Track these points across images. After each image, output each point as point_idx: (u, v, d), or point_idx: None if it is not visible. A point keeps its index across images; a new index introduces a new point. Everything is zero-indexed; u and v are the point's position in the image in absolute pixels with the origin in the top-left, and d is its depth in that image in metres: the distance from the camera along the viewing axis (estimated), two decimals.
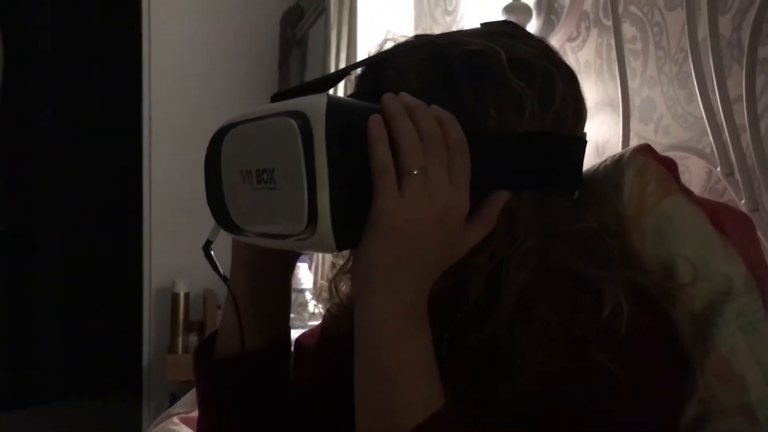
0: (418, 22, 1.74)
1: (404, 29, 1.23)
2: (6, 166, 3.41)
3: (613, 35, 0.99)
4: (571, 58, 1.13)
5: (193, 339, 2.35)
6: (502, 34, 0.58)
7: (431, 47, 0.57)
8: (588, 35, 1.10)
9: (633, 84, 0.98)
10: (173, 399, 2.45)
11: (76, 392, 3.48)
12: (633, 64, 0.98)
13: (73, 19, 3.48)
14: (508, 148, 0.54)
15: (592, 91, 1.08)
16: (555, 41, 1.13)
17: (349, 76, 0.60)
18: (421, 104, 0.50)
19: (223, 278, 0.60)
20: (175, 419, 0.78)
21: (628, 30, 0.99)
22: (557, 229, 0.55)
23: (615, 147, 1.00)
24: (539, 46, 0.60)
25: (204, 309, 2.38)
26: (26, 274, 3.48)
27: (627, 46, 0.99)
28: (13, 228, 3.44)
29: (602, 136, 1.05)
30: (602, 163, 0.69)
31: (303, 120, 0.47)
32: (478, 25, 0.63)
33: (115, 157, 3.51)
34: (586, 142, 0.61)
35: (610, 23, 1.01)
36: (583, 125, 0.61)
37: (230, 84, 2.55)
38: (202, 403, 0.66)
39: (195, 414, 0.82)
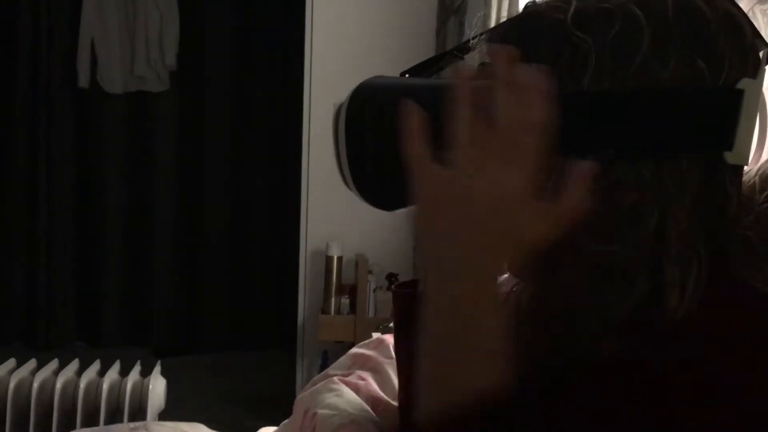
0: None
1: None
2: (182, 143, 3.75)
3: None
4: (760, 22, 1.02)
5: (345, 301, 2.44)
6: None
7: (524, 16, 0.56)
8: None
9: None
10: (325, 356, 2.57)
11: (239, 344, 3.76)
12: None
13: (242, 4, 3.69)
14: (567, 111, 0.47)
15: None
16: (743, 3, 1.02)
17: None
18: (496, 86, 0.45)
19: None
20: (335, 379, 0.81)
21: None
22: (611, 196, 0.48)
23: None
24: None
25: (356, 273, 2.45)
26: (200, 239, 3.81)
27: None
28: (188, 199, 3.79)
29: None
30: None
31: (342, 100, 0.57)
32: None
33: (276, 130, 3.71)
34: (730, 93, 0.50)
35: None
36: (729, 75, 0.51)
37: (389, 52, 2.57)
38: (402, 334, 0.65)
39: (351, 378, 0.85)
